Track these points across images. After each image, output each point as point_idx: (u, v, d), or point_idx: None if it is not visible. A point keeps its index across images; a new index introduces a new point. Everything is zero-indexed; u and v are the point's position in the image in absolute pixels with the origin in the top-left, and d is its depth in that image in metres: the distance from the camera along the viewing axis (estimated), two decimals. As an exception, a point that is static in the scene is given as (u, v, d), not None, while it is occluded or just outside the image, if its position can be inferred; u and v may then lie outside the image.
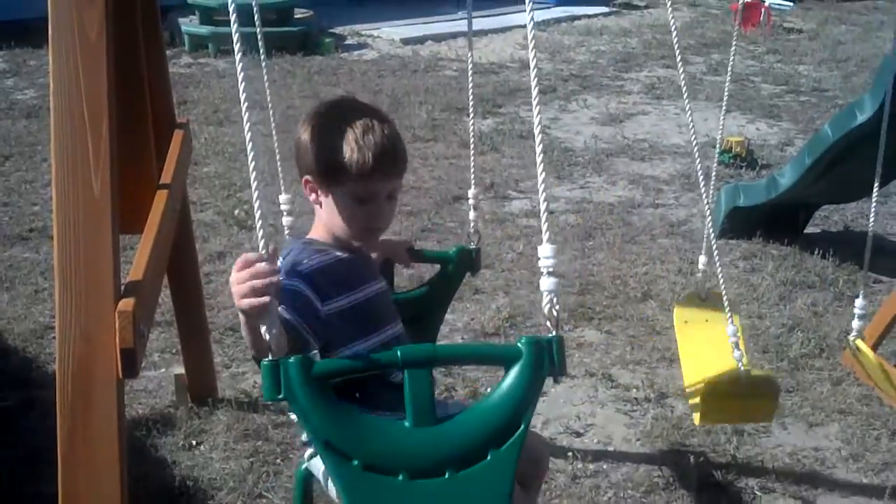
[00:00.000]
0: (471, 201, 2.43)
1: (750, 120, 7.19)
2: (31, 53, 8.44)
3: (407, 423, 1.47)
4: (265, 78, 2.52)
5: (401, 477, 1.43)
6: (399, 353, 1.50)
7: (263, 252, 1.49)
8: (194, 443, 3.12)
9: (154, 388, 3.43)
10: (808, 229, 5.01)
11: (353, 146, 1.87)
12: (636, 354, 3.77)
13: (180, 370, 3.33)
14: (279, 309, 1.54)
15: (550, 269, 1.51)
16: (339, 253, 1.99)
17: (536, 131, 1.65)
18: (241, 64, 1.53)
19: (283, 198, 2.51)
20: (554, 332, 1.51)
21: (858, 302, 2.78)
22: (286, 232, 2.48)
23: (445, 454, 1.45)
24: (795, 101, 7.70)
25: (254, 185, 1.51)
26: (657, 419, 3.32)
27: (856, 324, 2.80)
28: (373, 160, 1.86)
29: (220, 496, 2.86)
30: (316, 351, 1.79)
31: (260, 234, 1.51)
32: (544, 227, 1.55)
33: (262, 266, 1.47)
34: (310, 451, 2.07)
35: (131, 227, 2.32)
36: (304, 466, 2.00)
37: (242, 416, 3.25)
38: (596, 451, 3.14)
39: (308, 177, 1.96)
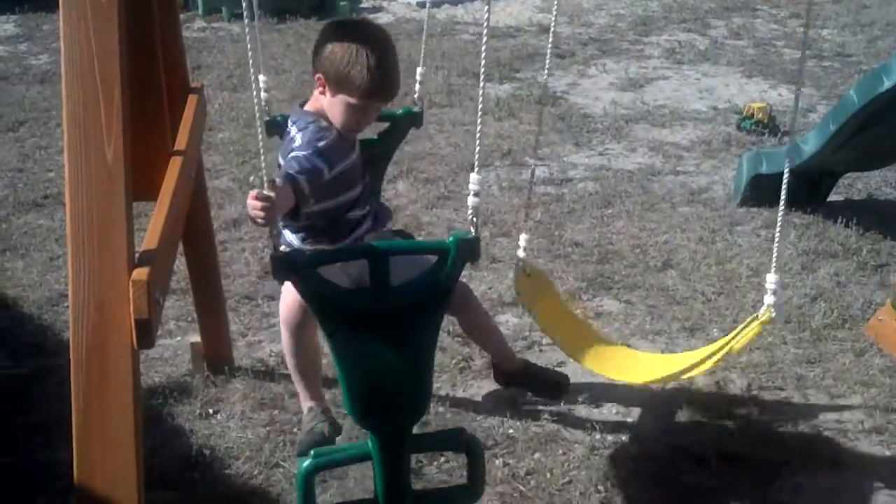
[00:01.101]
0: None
1: (772, 85, 7.06)
2: (45, 18, 8.38)
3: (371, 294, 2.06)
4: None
5: (364, 329, 2.03)
6: (364, 248, 2.25)
7: (267, 190, 2.09)
8: (211, 411, 3.12)
9: (170, 356, 3.42)
10: (832, 197, 4.93)
11: (364, 70, 2.41)
12: (655, 324, 3.73)
13: (196, 338, 3.31)
14: (297, 174, 2.37)
15: (475, 192, 2.06)
16: (335, 131, 2.57)
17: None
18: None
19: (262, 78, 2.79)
20: (474, 233, 2.05)
21: None
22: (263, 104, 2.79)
23: (399, 307, 2.04)
24: (818, 67, 7.56)
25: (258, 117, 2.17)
26: (677, 391, 3.28)
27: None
28: (378, 86, 2.45)
29: (236, 465, 2.86)
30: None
31: (263, 167, 2.14)
32: (476, 157, 2.09)
33: (264, 197, 2.07)
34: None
35: (145, 194, 2.30)
36: (306, 464, 2.15)
37: (259, 384, 3.24)
38: (615, 423, 3.11)
39: (321, 76, 2.53)
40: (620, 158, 5.53)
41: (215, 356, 3.30)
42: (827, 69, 7.48)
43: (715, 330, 3.67)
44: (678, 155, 5.61)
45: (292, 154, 2.47)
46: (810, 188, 4.79)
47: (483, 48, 1.98)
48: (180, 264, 3.19)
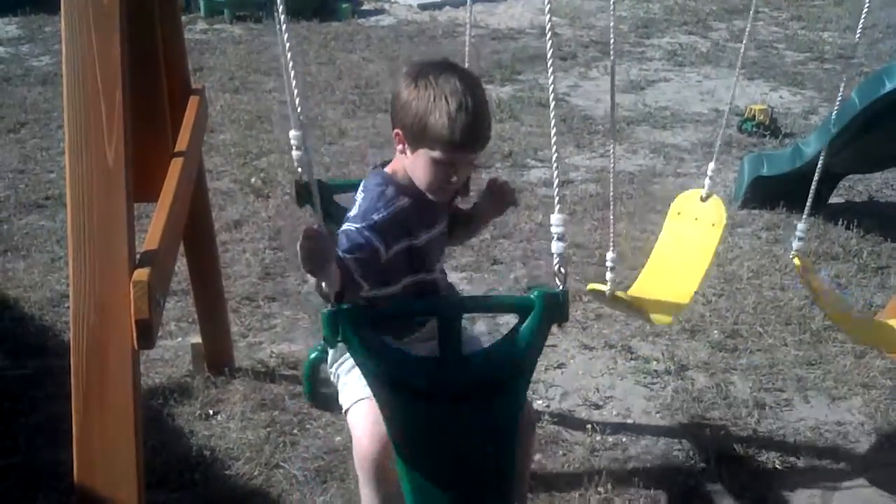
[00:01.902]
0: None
1: (773, 87, 7.07)
2: (47, 19, 8.39)
3: (439, 356, 1.81)
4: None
5: (435, 405, 1.77)
6: (434, 303, 1.92)
7: (319, 227, 1.77)
8: (211, 412, 3.12)
9: (171, 357, 3.42)
10: (832, 199, 4.93)
11: (445, 119, 1.97)
12: (656, 326, 3.72)
13: (197, 339, 3.31)
14: (344, 253, 1.92)
15: (560, 235, 1.82)
16: (409, 198, 2.12)
17: (551, 98, 1.76)
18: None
19: (292, 133, 2.39)
20: (562, 287, 1.82)
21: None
22: (295, 164, 2.45)
23: (473, 382, 1.78)
24: (820, 69, 7.57)
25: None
26: (677, 392, 3.29)
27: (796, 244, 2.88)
28: (461, 135, 1.98)
29: (236, 466, 2.86)
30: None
31: (318, 209, 1.84)
32: (556, 194, 1.87)
33: (318, 239, 1.73)
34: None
35: (146, 195, 2.30)
36: (312, 356, 2.11)
37: (259, 385, 3.25)
38: (615, 424, 3.11)
39: (399, 131, 2.08)
40: (622, 160, 5.53)
41: (216, 357, 3.30)
42: (829, 71, 7.49)
43: (715, 331, 3.67)
44: (679, 157, 5.61)
45: (344, 227, 2.07)
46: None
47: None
48: (181, 265, 3.19)
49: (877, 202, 5.08)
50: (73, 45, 1.88)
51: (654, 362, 3.47)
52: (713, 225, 2.92)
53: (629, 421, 3.15)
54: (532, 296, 1.80)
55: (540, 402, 3.21)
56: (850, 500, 2.83)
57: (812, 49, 8.27)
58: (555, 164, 1.87)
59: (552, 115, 1.85)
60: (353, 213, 2.10)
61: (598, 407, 3.22)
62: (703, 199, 2.99)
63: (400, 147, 2.10)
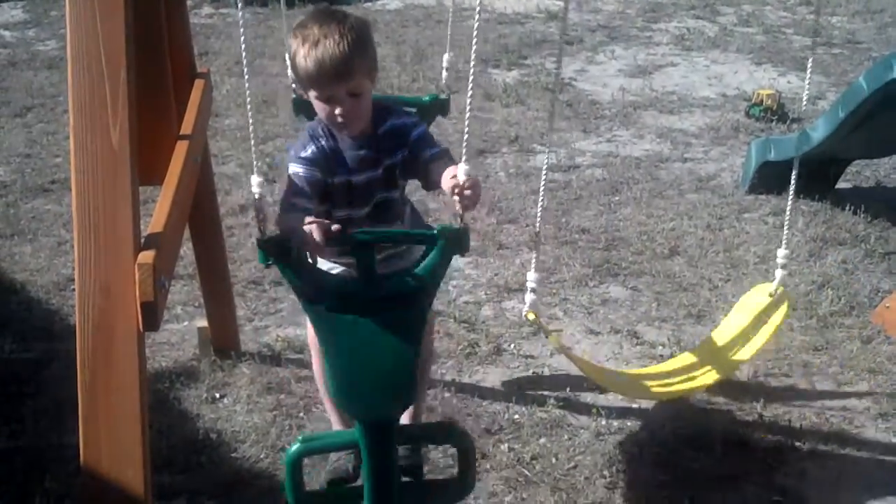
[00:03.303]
0: None
1: (781, 73, 7.03)
2: (53, 4, 8.38)
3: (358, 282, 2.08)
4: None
5: (350, 316, 2.03)
6: (352, 236, 2.06)
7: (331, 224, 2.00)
8: (217, 396, 3.13)
9: (177, 340, 3.43)
10: (840, 185, 4.91)
11: (303, 60, 2.14)
12: (662, 311, 3.72)
13: (203, 323, 3.32)
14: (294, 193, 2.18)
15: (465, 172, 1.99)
16: (332, 139, 2.28)
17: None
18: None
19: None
20: (461, 223, 2.02)
21: None
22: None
23: (380, 303, 2.04)
24: (828, 54, 7.51)
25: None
26: (683, 376, 3.28)
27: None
28: (316, 69, 2.13)
29: (242, 449, 2.87)
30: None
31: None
32: (464, 150, 1.99)
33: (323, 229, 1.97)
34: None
35: (151, 178, 2.30)
36: (293, 448, 2.16)
37: (265, 369, 3.25)
38: (620, 409, 3.11)
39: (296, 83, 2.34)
40: (628, 145, 5.51)
41: (222, 341, 3.31)
42: (837, 56, 7.43)
43: (721, 317, 3.65)
44: (686, 142, 5.59)
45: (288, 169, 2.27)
46: (819, 175, 4.77)
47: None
48: (187, 250, 3.20)
49: (884, 187, 5.05)
50: (78, 27, 1.88)
51: (660, 347, 3.47)
52: (771, 321, 2.99)
53: (634, 405, 3.15)
54: (435, 230, 2.05)
55: (545, 387, 3.22)
56: (856, 485, 2.83)
57: (820, 34, 8.21)
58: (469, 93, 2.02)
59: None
60: (290, 153, 2.29)
61: (603, 391, 3.21)
62: (772, 295, 3.02)
63: (307, 97, 2.29)
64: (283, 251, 2.00)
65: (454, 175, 2.02)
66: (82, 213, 1.86)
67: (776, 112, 5.88)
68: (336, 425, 2.61)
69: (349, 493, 2.32)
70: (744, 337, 3.03)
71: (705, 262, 4.09)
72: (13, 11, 8.44)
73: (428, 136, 2.37)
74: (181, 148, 2.42)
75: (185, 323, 3.53)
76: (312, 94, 2.22)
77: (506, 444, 2.93)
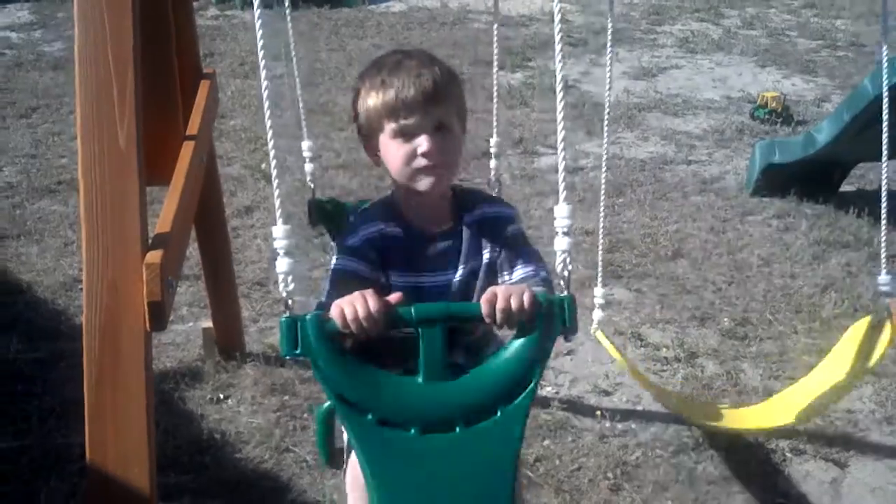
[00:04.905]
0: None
1: (786, 75, 7.03)
2: (60, 6, 8.41)
3: (419, 379, 1.50)
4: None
5: (412, 431, 1.47)
6: (413, 310, 1.51)
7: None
8: (222, 396, 3.13)
9: (182, 341, 3.43)
10: (844, 188, 4.91)
11: (379, 86, 1.77)
12: (666, 313, 3.72)
13: (208, 324, 3.33)
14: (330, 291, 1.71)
15: (565, 230, 1.53)
16: (399, 227, 1.82)
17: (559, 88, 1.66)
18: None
19: (305, 144, 2.43)
20: (566, 292, 1.53)
21: None
22: (308, 178, 2.41)
23: (456, 409, 1.48)
24: (832, 56, 7.52)
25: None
26: (687, 379, 3.29)
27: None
28: (397, 92, 1.75)
29: (247, 449, 2.87)
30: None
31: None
32: (562, 186, 1.56)
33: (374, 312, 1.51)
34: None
35: (157, 178, 2.30)
36: (325, 407, 1.77)
37: (270, 370, 3.26)
38: (624, 411, 3.11)
39: (361, 137, 1.88)
40: (632, 147, 5.52)
41: (227, 342, 3.32)
42: (841, 59, 7.44)
43: (725, 319, 3.66)
44: (690, 144, 5.59)
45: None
46: (823, 178, 4.77)
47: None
48: (193, 251, 3.20)
49: (889, 190, 5.03)
50: (86, 28, 1.88)
51: (664, 349, 3.47)
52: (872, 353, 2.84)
53: (639, 408, 3.15)
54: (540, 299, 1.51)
55: (549, 388, 3.22)
56: (860, 487, 2.83)
57: (825, 37, 8.22)
58: (561, 150, 1.60)
59: (560, 103, 1.71)
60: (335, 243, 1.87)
61: (607, 394, 3.22)
62: (873, 327, 2.88)
63: (374, 157, 1.87)
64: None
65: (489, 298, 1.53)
66: (90, 212, 1.86)
67: (780, 114, 5.89)
68: None
69: None
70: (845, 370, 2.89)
71: (709, 265, 4.09)
72: (20, 13, 8.46)
73: (522, 237, 1.91)
74: (187, 148, 2.43)
75: (190, 324, 3.54)
76: (389, 130, 1.77)
77: (510, 446, 2.92)
